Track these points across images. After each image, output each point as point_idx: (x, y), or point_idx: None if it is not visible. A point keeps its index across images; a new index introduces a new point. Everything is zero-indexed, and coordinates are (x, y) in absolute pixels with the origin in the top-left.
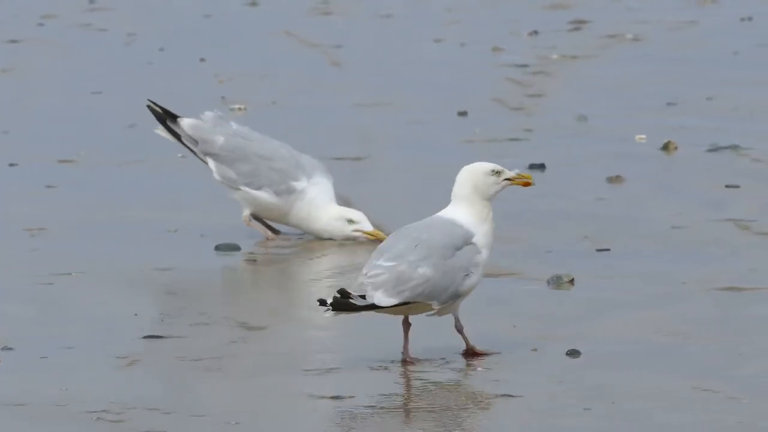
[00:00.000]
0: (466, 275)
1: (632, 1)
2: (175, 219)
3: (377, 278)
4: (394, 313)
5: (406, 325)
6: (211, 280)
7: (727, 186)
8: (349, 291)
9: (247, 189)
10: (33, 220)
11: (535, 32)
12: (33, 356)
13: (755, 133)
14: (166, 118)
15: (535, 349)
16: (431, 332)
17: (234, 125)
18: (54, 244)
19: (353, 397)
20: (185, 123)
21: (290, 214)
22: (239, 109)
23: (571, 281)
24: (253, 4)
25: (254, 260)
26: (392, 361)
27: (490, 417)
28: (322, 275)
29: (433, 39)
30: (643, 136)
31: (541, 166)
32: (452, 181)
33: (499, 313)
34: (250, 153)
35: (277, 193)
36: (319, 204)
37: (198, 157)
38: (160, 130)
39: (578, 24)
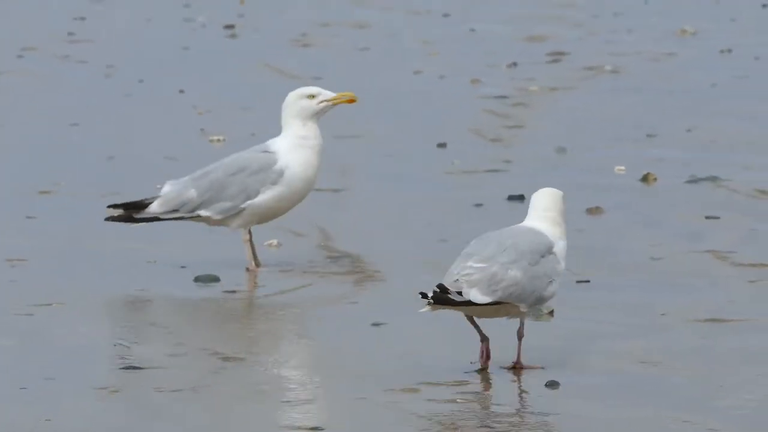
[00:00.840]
0: (549, 282)
1: (611, 34)
2: (155, 250)
3: (470, 277)
4: (484, 315)
5: (483, 340)
6: (190, 311)
7: (707, 217)
8: (448, 287)
9: (249, 203)
10: (13, 250)
11: (514, 64)
12: (13, 387)
13: (734, 164)
14: (132, 212)
15: (515, 380)
16: (417, 363)
17: (186, 177)
18: (34, 275)
19: (332, 428)
20: (154, 206)
21: (295, 190)
22: (218, 140)
23: (551, 313)
24: (233, 36)
25: (233, 291)
26: (371, 392)
27: None
28: (301, 307)
29: (412, 71)
30: (623, 168)
31: (521, 197)
32: (431, 213)
33: (478, 344)
34: (225, 178)
35: (274, 183)
36: (289, 156)
37: (188, 219)
38: (137, 224)
39: (557, 56)
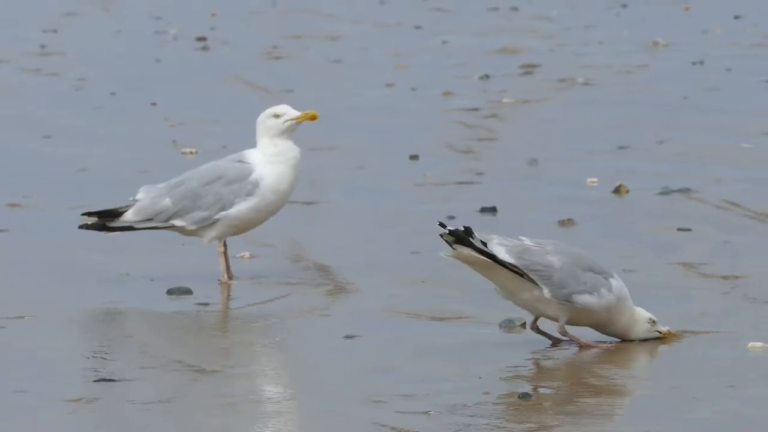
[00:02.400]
0: (587, 291)
1: (582, 46)
2: (126, 263)
3: (507, 241)
4: (503, 286)
5: (535, 328)
6: (162, 323)
7: (679, 229)
8: (475, 233)
9: (223, 213)
10: None
11: (486, 76)
12: None
13: (706, 176)
14: (105, 221)
15: (487, 393)
16: (389, 376)
17: (161, 184)
18: (5, 288)
19: None
20: (128, 215)
21: (269, 202)
22: (190, 152)
23: (523, 324)
24: (204, 48)
25: (206, 304)
26: (343, 405)
27: None
28: (274, 319)
29: (384, 83)
30: (595, 180)
31: (493, 209)
32: (403, 226)
33: (451, 357)
34: (200, 188)
35: (250, 194)
36: (264, 168)
37: (162, 228)
38: (111, 233)
39: (529, 68)
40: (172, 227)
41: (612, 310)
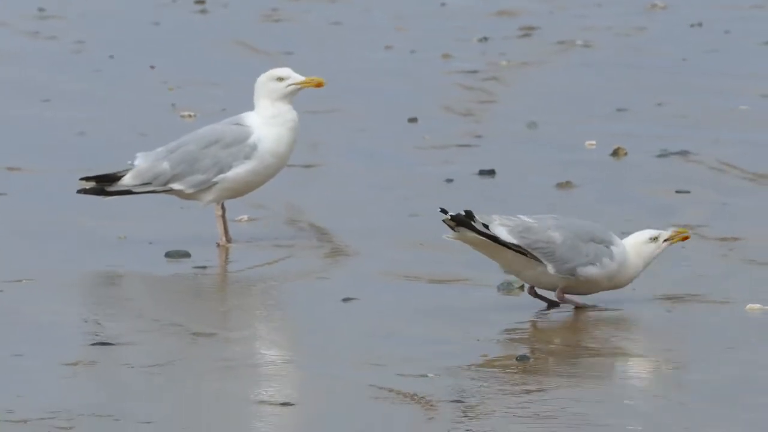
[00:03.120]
0: (590, 263)
1: (581, 8)
2: (125, 226)
3: (508, 221)
4: (507, 264)
5: (532, 292)
6: (161, 286)
7: (677, 192)
8: (476, 215)
9: (222, 176)
10: None
11: (485, 39)
12: None
13: (705, 138)
14: (104, 185)
15: (486, 355)
16: (387, 339)
17: (159, 148)
18: (3, 252)
19: (302, 404)
20: (126, 179)
21: (267, 164)
22: (189, 116)
23: (521, 287)
24: (203, 11)
25: (204, 267)
26: (341, 368)
27: (440, 423)
28: (272, 282)
29: (384, 46)
30: (593, 142)
31: (491, 172)
32: (402, 189)
33: (449, 319)
34: (197, 151)
35: (248, 157)
36: (263, 130)
37: (160, 192)
38: (109, 197)
39: (527, 30)
40: (171, 191)
41: (614, 277)
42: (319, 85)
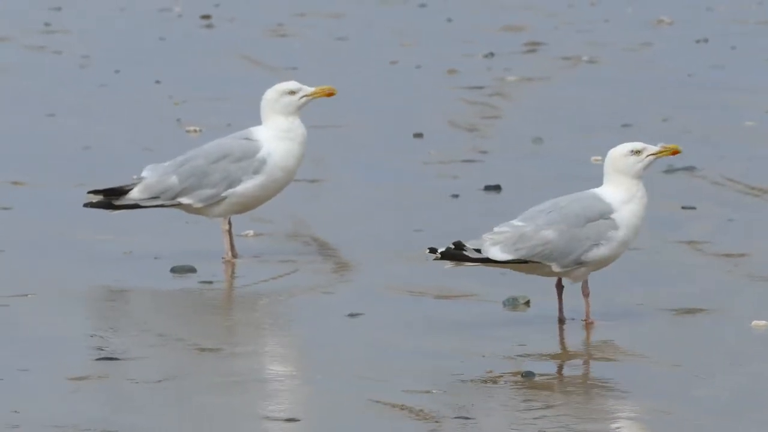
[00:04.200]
0: (595, 245)
1: (587, 23)
2: (130, 241)
3: (500, 236)
4: (515, 270)
5: (559, 288)
6: (166, 301)
7: (683, 207)
8: (465, 243)
9: (231, 191)
10: None
11: (491, 54)
12: None
13: (711, 154)
14: (111, 199)
15: (491, 371)
16: (393, 354)
17: (166, 162)
18: (9, 266)
19: (307, 419)
20: (134, 193)
21: (276, 179)
22: (194, 131)
23: (527, 303)
24: (209, 26)
25: (210, 282)
26: (347, 383)
27: None
28: (277, 297)
29: (389, 61)
30: (599, 158)
31: (497, 188)
32: (408, 204)
33: (455, 335)
34: (207, 165)
35: (256, 172)
36: (272, 144)
37: (168, 206)
38: (116, 211)
39: (533, 46)
40: (179, 205)
41: (626, 242)
42: (330, 93)
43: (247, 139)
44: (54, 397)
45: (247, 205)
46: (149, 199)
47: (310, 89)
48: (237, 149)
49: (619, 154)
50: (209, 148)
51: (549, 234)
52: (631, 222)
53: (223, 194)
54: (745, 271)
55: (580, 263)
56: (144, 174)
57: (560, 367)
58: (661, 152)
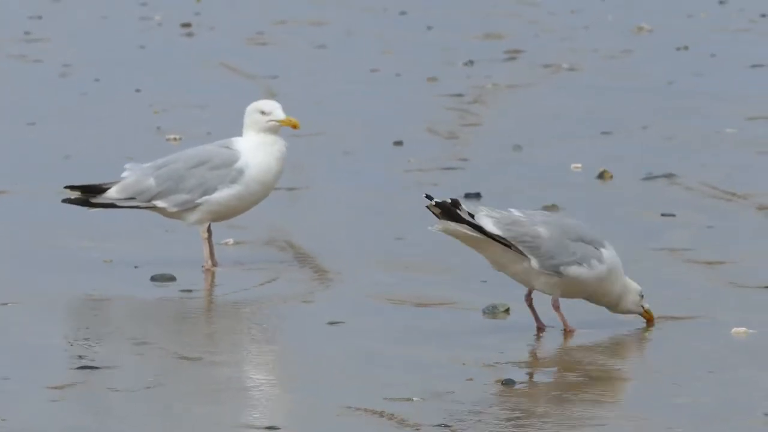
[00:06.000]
0: (576, 262)
1: (567, 31)
2: (111, 250)
3: (496, 212)
4: (493, 258)
5: (529, 299)
6: (146, 310)
7: (662, 215)
8: (462, 205)
9: (205, 198)
10: None
11: (471, 62)
12: None
13: (690, 161)
14: (89, 196)
15: (471, 379)
16: (373, 363)
17: (147, 164)
18: None
19: (287, 428)
20: (112, 192)
21: (252, 191)
22: (174, 139)
23: (507, 310)
24: (189, 34)
25: (190, 291)
26: (327, 391)
27: None
28: (257, 306)
29: (369, 69)
30: (579, 165)
31: (477, 195)
32: (388, 212)
33: (435, 343)
34: (184, 170)
35: (233, 181)
36: (250, 156)
37: (143, 208)
38: (94, 209)
39: (513, 54)
40: (154, 207)
41: (604, 280)
42: (294, 126)
43: (227, 147)
44: (34, 406)
45: (222, 213)
46: (126, 199)
47: (281, 115)
48: (216, 157)
49: (633, 289)
50: (189, 154)
51: (542, 230)
52: (612, 265)
53: (198, 201)
54: (725, 278)
55: (557, 272)
56: (124, 174)
57: (540, 375)
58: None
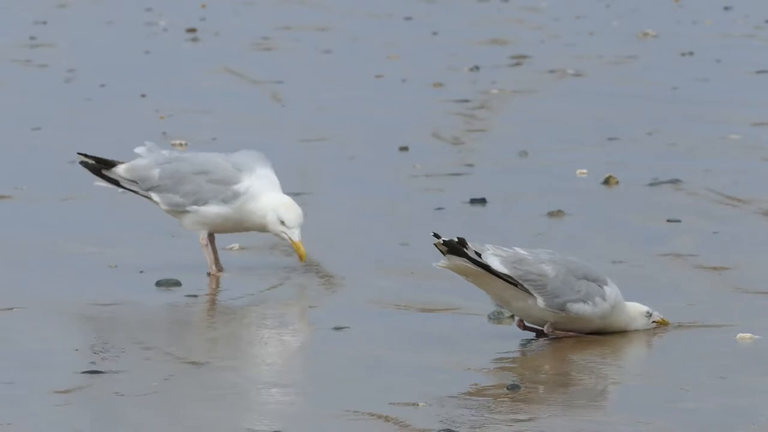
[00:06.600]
0: (581, 300)
1: (573, 37)
2: (116, 254)
3: (502, 251)
4: (497, 295)
5: (521, 325)
6: (152, 315)
7: (668, 220)
8: (469, 243)
9: (195, 207)
10: None
11: (476, 68)
12: None
13: (696, 167)
14: (101, 167)
15: (476, 384)
16: (378, 368)
17: (166, 152)
18: None
19: None
20: (120, 169)
21: (243, 218)
22: (180, 144)
23: (512, 316)
24: (194, 39)
25: (195, 296)
26: (332, 396)
27: None
28: (263, 311)
29: (374, 75)
30: (584, 171)
31: (482, 201)
32: (393, 217)
33: (440, 348)
34: (186, 173)
35: (225, 201)
36: (256, 194)
37: (142, 195)
38: (100, 182)
39: (519, 59)
40: (150, 198)
41: (607, 317)
42: (300, 259)
43: (237, 169)
44: (40, 411)
45: (212, 227)
46: (129, 181)
47: (295, 237)
48: (220, 171)
49: (639, 312)
50: (199, 158)
51: (548, 269)
52: (615, 302)
53: (187, 208)
54: (730, 284)
55: (562, 309)
56: (139, 150)
57: (545, 380)
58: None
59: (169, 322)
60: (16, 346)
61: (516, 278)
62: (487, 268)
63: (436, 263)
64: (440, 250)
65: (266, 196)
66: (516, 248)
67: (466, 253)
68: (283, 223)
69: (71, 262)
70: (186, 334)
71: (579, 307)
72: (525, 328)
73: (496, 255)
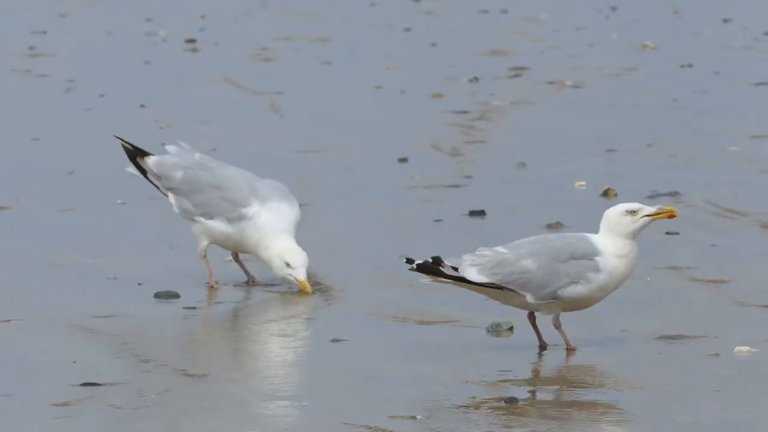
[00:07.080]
0: (573, 283)
1: (572, 48)
2: (114, 266)
3: (480, 258)
4: (490, 296)
5: (532, 317)
6: (150, 327)
7: (667, 233)
8: (444, 260)
9: (201, 219)
10: None
11: (476, 79)
12: None
13: (695, 179)
14: (136, 155)
15: (474, 397)
16: (377, 380)
17: (197, 156)
18: None
19: None
20: (151, 161)
21: (243, 241)
22: None
23: (511, 329)
24: (194, 50)
25: (193, 308)
26: (330, 408)
27: None
28: (261, 323)
29: (374, 86)
30: (583, 183)
31: (481, 213)
32: (392, 228)
33: (438, 360)
34: (204, 184)
35: (229, 221)
36: (269, 232)
37: (162, 193)
38: (131, 168)
39: (518, 71)
40: (167, 197)
41: (607, 286)
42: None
43: (251, 192)
44: (38, 423)
45: (215, 240)
46: (155, 175)
47: (301, 277)
48: (233, 190)
49: (614, 213)
50: (222, 173)
51: (528, 263)
52: (615, 270)
53: (195, 218)
54: (728, 296)
55: (555, 298)
56: (171, 148)
57: (543, 393)
58: (657, 214)
59: (168, 334)
60: (13, 357)
61: (498, 283)
62: (466, 281)
63: (422, 279)
64: (419, 272)
65: (276, 237)
66: (498, 248)
67: (443, 272)
68: (288, 265)
69: (70, 274)
70: (184, 346)
71: (571, 290)
72: (533, 324)
73: (474, 265)
